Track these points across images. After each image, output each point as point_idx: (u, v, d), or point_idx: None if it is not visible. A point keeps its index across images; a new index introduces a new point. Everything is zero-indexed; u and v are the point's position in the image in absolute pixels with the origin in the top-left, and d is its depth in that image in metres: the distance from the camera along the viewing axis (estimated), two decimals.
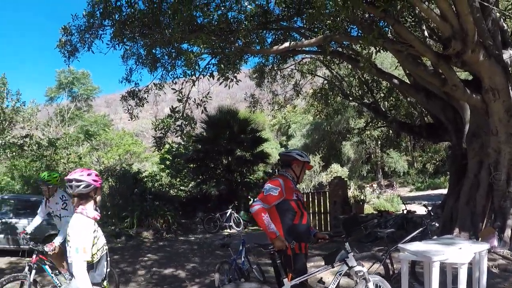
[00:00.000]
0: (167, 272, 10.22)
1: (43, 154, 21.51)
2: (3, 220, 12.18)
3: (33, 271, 6.54)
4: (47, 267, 6.87)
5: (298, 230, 4.88)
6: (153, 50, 12.67)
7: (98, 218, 3.66)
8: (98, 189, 3.71)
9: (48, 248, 6.55)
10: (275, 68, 17.81)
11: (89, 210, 3.60)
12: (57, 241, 6.73)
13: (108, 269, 3.73)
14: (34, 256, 6.68)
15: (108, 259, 3.74)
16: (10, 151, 19.31)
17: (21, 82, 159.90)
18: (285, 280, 4.47)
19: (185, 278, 9.44)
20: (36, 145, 20.62)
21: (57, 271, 6.95)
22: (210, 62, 12.60)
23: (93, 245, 3.48)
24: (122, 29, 11.22)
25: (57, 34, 12.75)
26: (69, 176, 3.62)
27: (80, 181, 3.56)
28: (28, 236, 7.13)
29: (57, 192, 7.23)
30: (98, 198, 3.72)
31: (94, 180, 3.62)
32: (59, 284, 6.70)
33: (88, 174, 3.62)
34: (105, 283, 3.64)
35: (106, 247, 3.72)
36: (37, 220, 7.67)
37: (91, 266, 3.50)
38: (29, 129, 21.34)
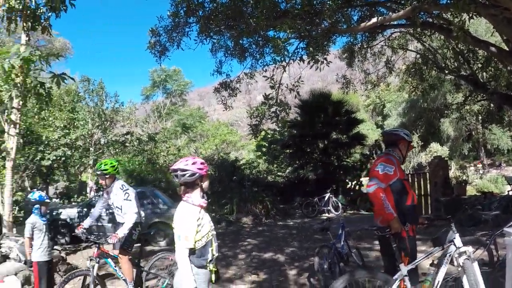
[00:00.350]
0: (267, 256, 10.32)
1: (143, 149, 22.67)
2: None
3: (96, 265, 6.15)
4: (109, 260, 6.60)
5: (411, 211, 4.70)
6: (240, 41, 12.75)
7: (205, 205, 3.76)
8: (204, 177, 3.76)
9: (112, 240, 6.18)
10: (365, 46, 17.15)
11: (195, 197, 3.71)
12: (121, 232, 6.28)
13: (216, 254, 3.82)
14: (96, 249, 6.30)
15: (216, 244, 3.84)
16: (113, 148, 20.54)
17: (117, 84, 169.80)
18: (402, 265, 4.26)
19: (284, 262, 9.48)
20: (137, 140, 21.76)
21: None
22: (298, 46, 12.40)
23: (197, 232, 3.62)
24: (208, 24, 11.42)
25: (146, 36, 13.26)
26: (174, 166, 3.74)
27: (185, 170, 3.65)
28: (85, 230, 6.60)
29: (116, 183, 6.70)
30: (205, 184, 3.78)
31: (199, 169, 3.69)
32: (122, 277, 6.60)
33: (193, 163, 3.69)
34: (211, 266, 3.74)
35: (214, 232, 3.84)
36: (95, 213, 7.20)
37: (194, 251, 3.66)
38: (129, 127, 22.62)
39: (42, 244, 6.66)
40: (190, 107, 61.13)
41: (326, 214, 17.83)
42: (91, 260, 6.14)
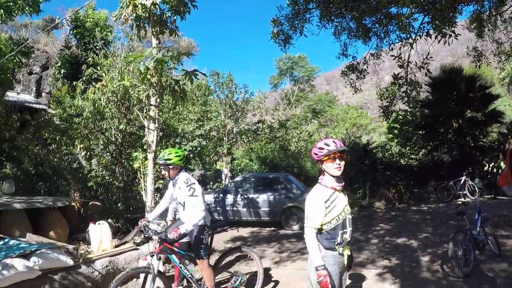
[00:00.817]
0: (399, 241, 10.17)
1: (275, 136, 23.25)
2: (246, 196, 13.71)
3: (158, 262, 5.54)
4: (173, 256, 5.99)
5: None
6: (363, 21, 12.52)
7: (338, 188, 3.85)
8: (322, 161, 3.84)
9: (171, 235, 5.45)
10: (494, 13, 15.59)
11: (327, 179, 3.84)
12: (183, 228, 5.49)
13: (348, 238, 3.86)
14: (157, 244, 5.69)
15: (350, 228, 3.88)
16: (246, 136, 21.36)
17: (244, 75, 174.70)
18: None
19: (417, 248, 9.29)
20: (268, 128, 22.36)
21: (186, 261, 6.27)
22: (423, 21, 11.86)
23: (326, 214, 3.74)
24: (328, 8, 11.37)
25: (268, 26, 13.62)
26: (313, 149, 3.89)
27: (322, 148, 3.80)
28: (149, 224, 6.03)
29: (181, 175, 6.00)
30: (327, 167, 3.82)
31: (314, 153, 3.86)
32: (189, 275, 6.07)
33: (314, 147, 3.87)
34: (340, 249, 3.76)
35: (350, 216, 3.90)
36: (161, 207, 6.68)
37: (322, 232, 3.79)
38: (260, 116, 23.30)
39: None
40: (318, 92, 61.05)
41: (462, 199, 16.80)
42: (152, 256, 5.62)
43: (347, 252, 3.81)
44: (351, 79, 14.33)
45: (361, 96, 61.19)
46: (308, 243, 3.77)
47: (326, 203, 3.73)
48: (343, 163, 3.82)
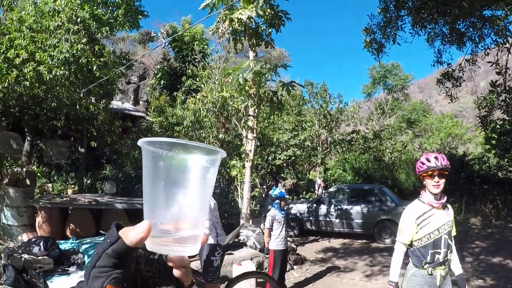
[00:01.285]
0: (495, 260, 9.74)
1: (369, 146, 22.88)
2: (339, 206, 13.68)
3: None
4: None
5: None
6: (456, 26, 12.11)
7: (436, 205, 3.69)
8: (424, 176, 3.73)
9: None
10: None
11: (426, 195, 3.73)
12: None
13: (442, 259, 3.63)
14: None
15: (445, 249, 3.66)
16: (340, 146, 21.25)
17: (337, 84, 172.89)
18: None
19: None
20: (363, 139, 22.08)
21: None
22: None
23: (417, 231, 3.65)
24: (420, 14, 11.14)
25: (360, 35, 13.54)
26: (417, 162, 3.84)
27: (423, 164, 3.72)
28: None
29: None
30: (428, 183, 3.69)
31: (417, 168, 3.79)
32: None
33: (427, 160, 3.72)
34: (429, 269, 3.60)
35: (445, 236, 3.67)
36: None
37: (413, 249, 3.72)
38: (354, 126, 23.07)
39: (280, 235, 7.50)
40: (412, 101, 59.02)
41: None
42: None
43: (440, 272, 3.63)
44: (447, 87, 13.83)
45: (456, 104, 57.99)
46: (392, 257, 3.77)
47: (418, 219, 3.65)
48: (443, 181, 3.65)
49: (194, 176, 0.81)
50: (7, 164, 11.96)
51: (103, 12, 12.79)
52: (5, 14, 11.53)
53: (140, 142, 0.82)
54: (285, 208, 7.87)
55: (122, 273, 0.76)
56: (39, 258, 6.73)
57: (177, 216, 0.80)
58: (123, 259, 0.76)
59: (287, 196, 7.94)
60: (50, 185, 14.49)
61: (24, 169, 10.65)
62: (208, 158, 0.82)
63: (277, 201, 7.67)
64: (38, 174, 13.33)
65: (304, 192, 20.25)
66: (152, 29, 38.67)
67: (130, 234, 0.76)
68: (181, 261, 0.85)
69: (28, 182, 10.43)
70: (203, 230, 0.84)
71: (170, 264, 0.86)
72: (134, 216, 9.60)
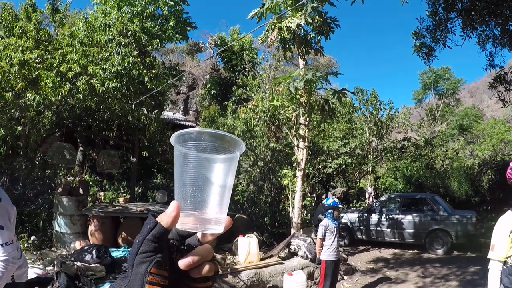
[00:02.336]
0: None
1: (421, 154, 22.32)
2: (390, 216, 13.35)
3: None
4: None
5: None
6: (508, 27, 11.68)
7: None
8: None
9: None
10: None
11: None
12: None
13: None
14: None
15: None
16: (391, 154, 20.82)
17: (387, 90, 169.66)
18: None
19: None
20: (414, 146, 21.58)
21: None
22: None
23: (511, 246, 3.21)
24: (470, 16, 10.82)
25: (409, 39, 13.26)
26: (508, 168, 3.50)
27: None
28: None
29: None
30: None
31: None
32: None
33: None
34: None
35: None
36: None
37: (506, 266, 3.24)
38: (405, 133, 22.56)
39: (332, 245, 7.38)
40: (463, 106, 57.28)
41: None
42: None
43: None
44: (499, 91, 13.35)
45: (509, 108, 55.81)
46: (488, 278, 3.33)
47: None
48: None
49: (219, 167, 0.86)
50: (60, 174, 12.29)
51: (152, 25, 13.06)
52: (56, 30, 11.92)
53: (172, 138, 0.86)
54: (338, 218, 7.74)
55: (162, 257, 0.80)
56: (91, 265, 6.86)
57: (202, 202, 0.85)
58: (162, 243, 0.81)
59: (340, 206, 7.78)
60: (102, 193, 14.83)
61: (77, 178, 10.91)
62: (228, 156, 0.87)
63: (330, 210, 7.55)
64: (91, 183, 13.65)
65: (354, 201, 19.94)
66: (200, 40, 39.27)
67: (164, 217, 0.81)
68: (209, 238, 0.89)
69: (81, 191, 10.65)
70: (226, 216, 0.88)
71: (200, 240, 0.89)
72: None
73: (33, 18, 10.58)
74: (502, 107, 13.93)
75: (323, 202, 8.46)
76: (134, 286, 0.78)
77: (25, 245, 9.39)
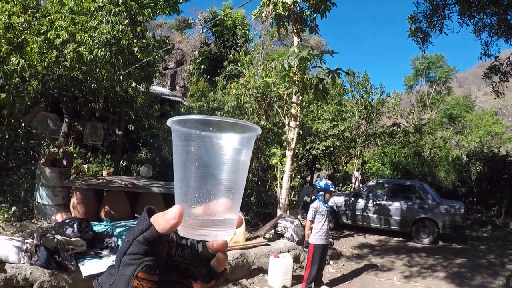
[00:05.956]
0: None
1: (409, 141, 22.28)
2: (377, 202, 13.24)
3: None
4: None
5: None
6: (506, 16, 11.53)
7: None
8: None
9: None
10: None
11: None
12: None
13: None
14: None
15: None
16: (380, 139, 20.73)
17: (377, 75, 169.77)
18: None
19: None
20: (403, 132, 21.51)
21: None
22: None
23: None
24: (469, 3, 10.65)
25: (404, 24, 13.15)
26: None
27: None
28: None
29: None
30: None
31: None
32: None
33: None
34: None
35: None
36: None
37: None
38: (395, 118, 22.47)
39: (322, 229, 7.20)
40: (455, 95, 57.41)
41: None
42: None
43: None
44: (494, 82, 13.26)
45: (496, 101, 56.15)
46: None
47: None
48: None
49: (228, 157, 0.75)
50: (44, 145, 12.05)
51: None
52: None
53: (170, 121, 0.76)
54: (333, 201, 7.57)
55: (154, 260, 0.73)
56: (72, 239, 6.65)
57: (210, 199, 0.75)
58: (154, 246, 0.73)
59: (332, 189, 7.55)
60: (86, 166, 14.59)
61: (61, 149, 10.68)
62: (243, 136, 0.77)
63: (321, 193, 7.35)
64: (75, 155, 13.41)
65: (340, 185, 19.87)
66: (189, 16, 38.83)
67: (161, 221, 0.72)
68: (221, 246, 0.80)
69: (64, 162, 10.46)
70: (238, 214, 0.79)
71: (210, 249, 0.81)
72: (170, 200, 9.47)
73: None
74: (495, 98, 13.89)
75: (314, 183, 8.28)
76: (118, 287, 0.73)
77: (5, 215, 9.14)
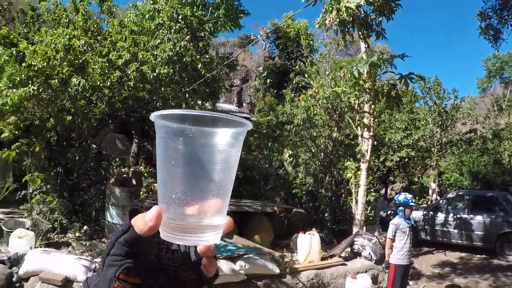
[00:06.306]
0: None
1: (487, 148, 20.99)
2: (457, 215, 12.33)
3: None
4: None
5: None
6: None
7: None
8: None
9: None
10: None
11: None
12: None
13: None
14: None
15: None
16: (457, 147, 19.67)
17: (448, 78, 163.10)
18: None
19: None
20: (481, 139, 20.31)
21: None
22: None
23: None
24: None
25: (474, 22, 12.37)
26: None
27: None
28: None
29: None
30: None
31: None
32: None
33: None
34: None
35: None
36: None
37: None
38: (470, 124, 21.29)
39: (404, 248, 6.61)
40: None
41: None
42: None
43: None
44: None
45: None
46: None
47: None
48: None
49: (216, 154, 0.71)
50: (114, 165, 12.25)
51: (203, 14, 12.77)
52: (106, 21, 11.83)
53: (153, 116, 0.74)
54: (411, 217, 6.97)
55: (136, 262, 0.73)
56: None
57: (197, 200, 0.71)
58: (135, 248, 0.73)
59: (412, 204, 6.92)
60: (156, 185, 14.72)
61: (131, 169, 10.78)
62: (233, 131, 0.72)
63: (401, 208, 6.76)
64: (145, 174, 13.55)
65: (416, 198, 18.96)
66: (251, 33, 39.22)
67: (139, 222, 0.71)
68: (205, 250, 0.77)
69: (134, 182, 10.51)
70: (226, 217, 0.74)
71: (198, 253, 0.79)
72: (241, 217, 9.24)
73: (80, 8, 10.53)
74: None
75: (394, 198, 7.75)
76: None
77: (77, 234, 9.31)
